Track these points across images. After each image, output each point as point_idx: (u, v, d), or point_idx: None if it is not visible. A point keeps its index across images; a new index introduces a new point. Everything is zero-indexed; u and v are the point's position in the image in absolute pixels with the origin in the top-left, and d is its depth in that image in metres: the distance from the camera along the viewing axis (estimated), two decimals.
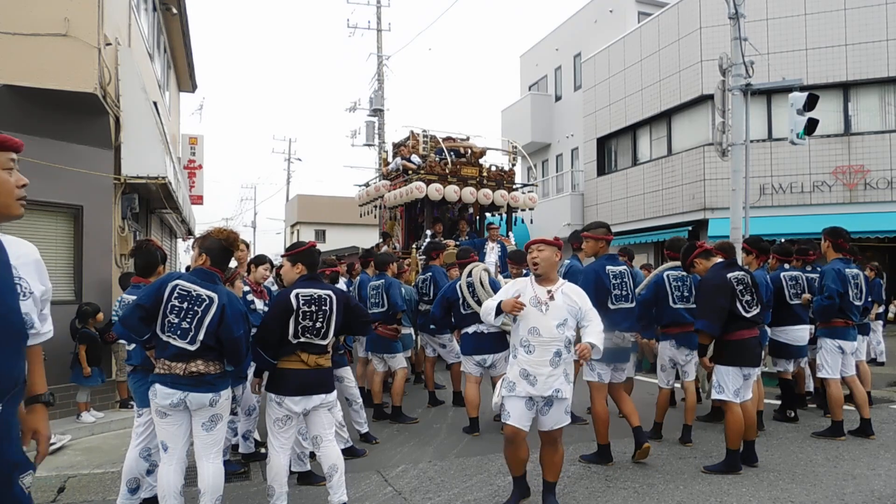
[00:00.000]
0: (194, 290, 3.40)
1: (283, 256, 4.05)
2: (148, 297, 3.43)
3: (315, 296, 3.79)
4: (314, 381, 3.78)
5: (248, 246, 4.99)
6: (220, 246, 3.55)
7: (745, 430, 4.79)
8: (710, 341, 4.86)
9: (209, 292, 3.41)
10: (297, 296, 3.75)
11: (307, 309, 3.74)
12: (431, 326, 6.87)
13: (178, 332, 3.37)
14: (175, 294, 3.38)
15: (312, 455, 4.48)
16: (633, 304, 4.97)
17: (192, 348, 3.36)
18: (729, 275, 4.80)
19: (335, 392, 4.03)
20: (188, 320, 3.36)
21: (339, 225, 33.60)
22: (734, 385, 4.72)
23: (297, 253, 3.94)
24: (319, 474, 4.46)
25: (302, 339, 3.73)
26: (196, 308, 3.37)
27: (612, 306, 4.78)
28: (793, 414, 6.22)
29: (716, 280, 4.82)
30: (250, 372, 5.00)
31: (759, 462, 4.82)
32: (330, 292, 3.87)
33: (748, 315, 4.74)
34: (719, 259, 5.08)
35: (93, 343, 6.18)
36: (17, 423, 1.85)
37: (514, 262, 6.21)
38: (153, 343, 3.49)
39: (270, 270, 5.81)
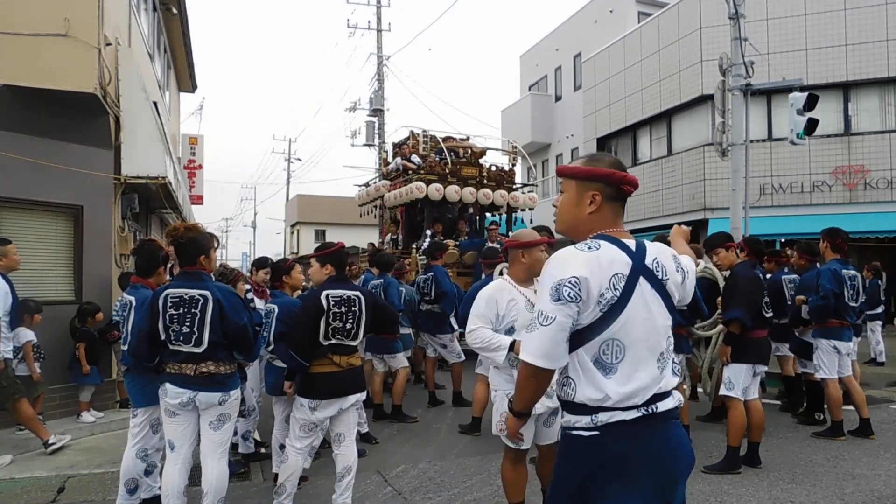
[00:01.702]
0: (185, 294, 3.41)
1: (311, 257, 4.03)
2: (143, 320, 3.50)
3: (344, 297, 3.78)
4: (348, 381, 3.78)
5: (217, 241, 4.82)
6: (178, 246, 3.54)
7: (752, 430, 4.82)
8: (740, 331, 4.79)
9: (200, 291, 3.41)
10: (327, 297, 3.73)
11: (337, 310, 3.73)
12: (453, 325, 6.81)
13: (182, 338, 3.38)
14: (168, 303, 3.40)
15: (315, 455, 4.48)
16: None
17: (200, 350, 3.38)
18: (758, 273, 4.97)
19: (366, 390, 4.06)
20: (188, 324, 3.37)
21: (339, 225, 33.59)
22: (745, 383, 4.80)
23: (326, 254, 3.93)
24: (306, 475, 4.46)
25: (333, 341, 3.72)
26: (193, 310, 3.38)
27: None
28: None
29: (751, 276, 4.88)
30: (249, 372, 5.04)
31: (761, 463, 4.82)
32: (358, 293, 3.87)
33: (766, 315, 4.93)
34: (741, 258, 5.16)
35: (91, 342, 6.18)
36: None
37: (487, 260, 6.23)
38: (163, 360, 3.51)
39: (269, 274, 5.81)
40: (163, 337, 3.42)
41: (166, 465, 3.50)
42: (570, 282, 1.79)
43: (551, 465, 3.53)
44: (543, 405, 3.36)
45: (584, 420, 1.82)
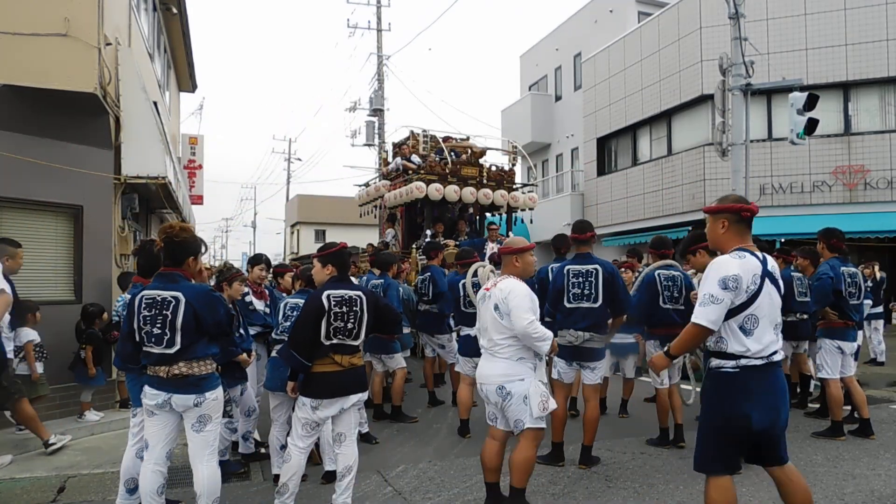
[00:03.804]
0: (158, 295, 3.43)
1: (314, 257, 4.05)
2: (125, 323, 3.56)
3: (346, 297, 3.78)
4: (351, 380, 3.80)
5: (206, 245, 4.76)
6: (164, 244, 3.55)
7: None
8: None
9: (172, 293, 3.42)
10: (328, 297, 3.74)
11: (339, 310, 3.74)
12: (451, 325, 6.83)
13: (154, 339, 3.41)
14: (143, 304, 3.44)
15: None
16: (597, 305, 4.78)
17: (172, 352, 3.39)
18: None
19: (367, 390, 4.07)
20: (159, 325, 3.39)
21: (339, 225, 33.60)
22: None
23: (328, 254, 3.93)
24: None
25: (335, 341, 3.73)
26: (165, 312, 3.39)
27: (568, 305, 4.83)
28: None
29: None
30: (249, 371, 5.03)
31: None
32: (360, 293, 3.87)
33: None
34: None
35: (98, 344, 6.18)
36: None
37: (461, 261, 6.30)
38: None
39: (267, 271, 5.80)
40: (136, 338, 3.46)
41: (142, 466, 3.54)
42: (732, 277, 2.88)
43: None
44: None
45: (730, 363, 2.92)
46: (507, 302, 3.72)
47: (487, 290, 3.95)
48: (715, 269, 2.95)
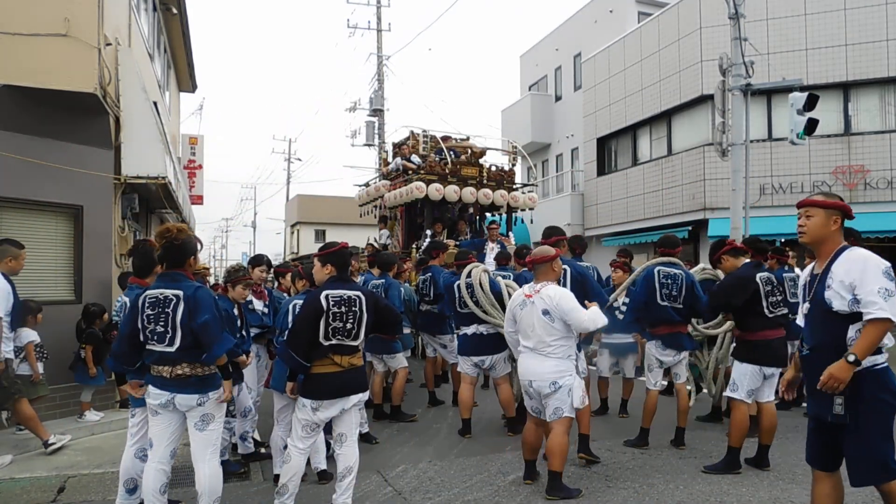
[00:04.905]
0: (161, 294, 3.46)
1: (314, 257, 4.05)
2: (125, 324, 3.60)
3: (345, 297, 3.78)
4: (351, 381, 3.80)
5: (201, 243, 4.67)
6: (164, 248, 3.56)
7: (762, 433, 4.80)
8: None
9: (174, 291, 3.46)
10: (326, 297, 3.74)
11: (337, 310, 3.73)
12: (452, 326, 6.83)
13: (157, 338, 3.43)
14: (146, 304, 3.47)
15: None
16: None
17: (173, 349, 3.41)
18: (758, 274, 4.83)
19: (368, 391, 4.10)
20: (162, 323, 3.42)
21: (339, 225, 33.59)
22: (750, 385, 4.71)
23: (328, 254, 3.92)
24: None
25: (333, 342, 3.72)
26: (167, 310, 3.42)
27: None
28: None
29: (741, 275, 4.84)
30: (247, 372, 5.03)
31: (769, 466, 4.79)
32: (359, 293, 3.86)
33: (771, 315, 4.77)
34: (747, 259, 5.06)
35: (99, 344, 6.18)
36: None
37: (458, 262, 6.37)
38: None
39: (267, 272, 5.80)
40: (141, 338, 3.49)
41: (146, 464, 3.56)
42: (891, 266, 2.86)
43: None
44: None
45: (882, 357, 2.86)
46: (559, 307, 4.13)
47: (529, 296, 4.27)
48: (872, 262, 2.88)
